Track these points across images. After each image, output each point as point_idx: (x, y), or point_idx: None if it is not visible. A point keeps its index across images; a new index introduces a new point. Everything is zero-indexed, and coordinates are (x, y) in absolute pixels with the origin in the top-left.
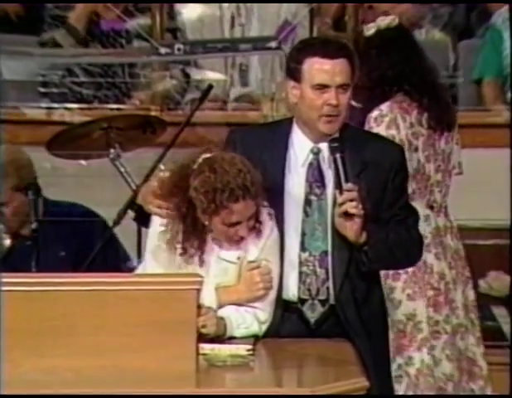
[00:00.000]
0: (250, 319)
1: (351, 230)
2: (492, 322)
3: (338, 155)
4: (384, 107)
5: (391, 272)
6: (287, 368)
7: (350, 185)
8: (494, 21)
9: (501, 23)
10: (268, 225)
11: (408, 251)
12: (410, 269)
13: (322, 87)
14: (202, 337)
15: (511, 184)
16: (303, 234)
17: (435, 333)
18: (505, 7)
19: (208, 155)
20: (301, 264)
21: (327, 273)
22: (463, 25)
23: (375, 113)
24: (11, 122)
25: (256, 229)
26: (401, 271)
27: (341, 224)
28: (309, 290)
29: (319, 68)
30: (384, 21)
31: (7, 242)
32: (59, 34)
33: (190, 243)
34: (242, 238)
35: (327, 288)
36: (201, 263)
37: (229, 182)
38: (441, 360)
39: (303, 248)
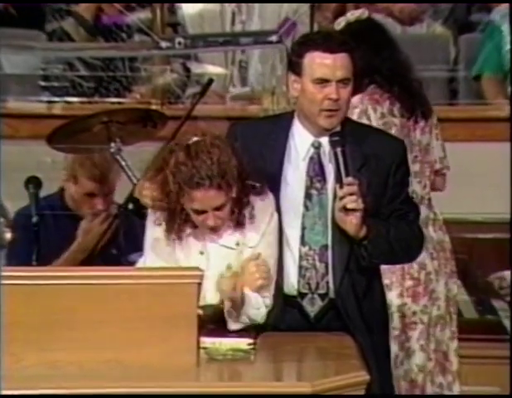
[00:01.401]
0: (261, 302)
1: (351, 224)
2: (492, 316)
3: (339, 149)
4: (354, 99)
5: None
6: (287, 362)
7: (350, 179)
8: (492, 17)
9: (500, 19)
10: (268, 212)
11: (408, 246)
12: None
13: (323, 81)
14: (202, 330)
15: (511, 179)
16: (303, 228)
17: (412, 324)
18: (505, 5)
19: (198, 139)
20: (301, 258)
21: (327, 267)
22: (464, 19)
23: None
24: (11, 115)
25: (242, 221)
26: None
27: (341, 218)
28: (309, 284)
29: (320, 62)
30: (353, 15)
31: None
32: (68, 23)
33: (171, 225)
34: (215, 228)
35: (327, 282)
36: (201, 251)
37: (194, 167)
38: (414, 351)
39: (303, 242)
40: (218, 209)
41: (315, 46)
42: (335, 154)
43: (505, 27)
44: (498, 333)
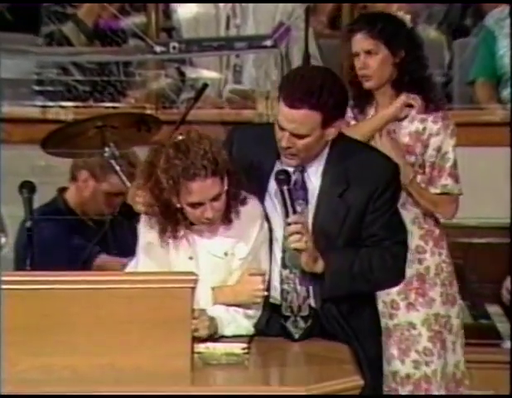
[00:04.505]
0: (240, 318)
1: (302, 261)
2: (486, 321)
3: (285, 187)
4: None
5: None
6: (281, 367)
7: (294, 217)
8: (486, 22)
9: (493, 24)
10: (256, 220)
11: (375, 278)
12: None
13: (282, 128)
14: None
15: (511, 184)
16: (284, 251)
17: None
18: (498, 8)
19: (183, 136)
20: (282, 281)
21: (308, 290)
22: (458, 23)
23: (451, 127)
24: (5, 120)
25: (229, 216)
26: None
27: (294, 254)
28: (291, 307)
29: (282, 110)
30: None
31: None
32: (67, 27)
33: (165, 227)
34: (211, 220)
35: (309, 305)
36: (190, 257)
37: (187, 159)
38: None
39: (284, 265)
40: (214, 199)
41: (283, 95)
42: (282, 192)
43: (499, 32)
44: (492, 338)
